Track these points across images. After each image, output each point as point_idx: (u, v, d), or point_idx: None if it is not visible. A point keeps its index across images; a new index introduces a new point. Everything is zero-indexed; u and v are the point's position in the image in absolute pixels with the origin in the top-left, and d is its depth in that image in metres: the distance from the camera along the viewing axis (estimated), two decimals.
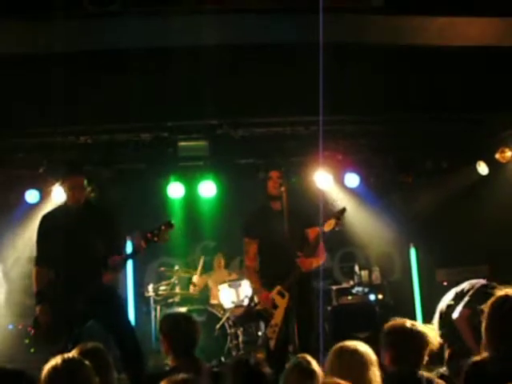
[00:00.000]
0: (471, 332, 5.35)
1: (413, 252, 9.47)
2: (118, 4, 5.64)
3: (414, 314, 8.84)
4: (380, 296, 8.94)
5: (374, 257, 9.83)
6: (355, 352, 3.16)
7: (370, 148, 8.44)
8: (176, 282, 8.66)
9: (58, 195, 7.77)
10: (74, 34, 5.99)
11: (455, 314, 5.69)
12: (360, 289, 8.98)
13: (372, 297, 8.84)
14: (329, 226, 5.39)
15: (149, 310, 8.70)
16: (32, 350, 7.44)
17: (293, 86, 6.72)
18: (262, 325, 7.77)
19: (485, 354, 3.28)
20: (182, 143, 7.88)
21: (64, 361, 2.99)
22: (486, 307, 3.36)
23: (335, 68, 6.39)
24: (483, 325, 3.33)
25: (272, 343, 5.35)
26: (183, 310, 7.71)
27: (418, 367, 3.40)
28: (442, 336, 5.93)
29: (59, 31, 5.89)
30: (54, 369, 2.94)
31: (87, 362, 3.04)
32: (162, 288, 8.67)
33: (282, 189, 5.42)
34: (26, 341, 7.60)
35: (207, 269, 9.17)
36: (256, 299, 5.87)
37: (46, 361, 3.08)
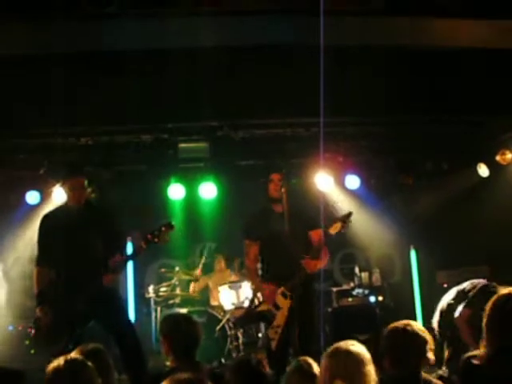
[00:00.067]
0: (471, 332, 5.36)
1: (413, 254, 9.47)
2: (117, 5, 5.66)
3: (414, 316, 8.84)
4: (380, 298, 8.94)
5: (374, 258, 9.84)
6: (350, 351, 3.17)
7: (371, 150, 8.45)
8: (176, 283, 8.67)
9: (58, 196, 7.78)
10: (73, 35, 6.01)
11: (456, 314, 5.70)
12: (360, 290, 8.98)
13: (372, 299, 8.84)
14: (335, 229, 5.42)
15: (149, 311, 8.71)
16: (32, 351, 7.46)
17: (293, 88, 6.72)
18: (263, 326, 7.80)
19: (482, 351, 3.28)
20: (183, 145, 7.89)
21: (67, 362, 3.00)
22: (487, 306, 3.37)
23: (335, 69, 6.40)
24: (484, 323, 3.34)
25: (274, 344, 5.35)
26: (184, 311, 7.72)
27: (419, 369, 3.41)
28: (441, 336, 5.95)
29: (58, 32, 5.91)
30: (57, 370, 2.95)
31: (90, 363, 3.04)
32: (163, 289, 8.67)
33: (283, 190, 5.42)
34: (27, 342, 7.61)
35: (207, 270, 9.18)
36: (256, 301, 5.88)
37: (47, 362, 3.09)
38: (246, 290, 8.07)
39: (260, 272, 5.90)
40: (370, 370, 3.17)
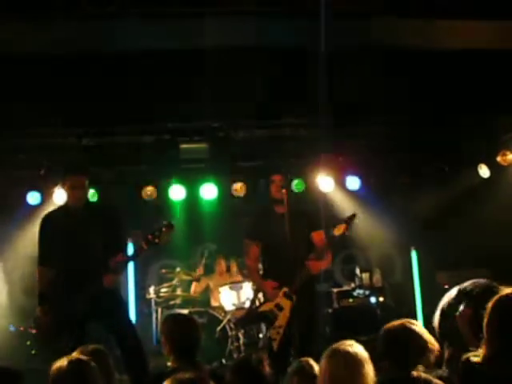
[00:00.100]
0: (472, 332, 5.35)
1: (414, 254, 9.47)
2: (117, 5, 5.66)
3: (415, 317, 8.83)
4: (381, 298, 8.92)
5: (374, 259, 9.83)
6: (349, 352, 3.17)
7: (371, 150, 8.45)
8: (177, 284, 8.66)
9: (59, 197, 7.78)
10: (73, 34, 6.01)
11: (457, 313, 5.69)
12: (361, 291, 8.97)
13: (373, 299, 8.82)
14: (338, 231, 5.44)
15: (150, 311, 8.70)
16: (33, 352, 7.47)
17: (293, 88, 6.73)
18: (263, 327, 7.79)
19: (482, 353, 3.28)
20: (184, 145, 7.90)
21: (72, 362, 2.99)
22: (488, 306, 3.37)
23: (335, 70, 6.41)
24: (484, 323, 3.34)
25: (275, 345, 5.35)
26: (184, 311, 7.70)
27: (414, 369, 3.40)
28: (442, 335, 5.95)
29: (58, 32, 5.91)
30: (62, 370, 2.94)
31: (94, 364, 3.04)
32: (164, 290, 8.67)
33: (283, 191, 5.42)
34: (28, 342, 7.62)
35: (208, 271, 9.18)
36: (257, 302, 5.87)
37: (48, 362, 3.09)
38: (247, 291, 8.07)
39: (261, 272, 5.91)
40: (369, 370, 3.17)
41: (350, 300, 8.81)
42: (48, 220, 5.66)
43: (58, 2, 5.58)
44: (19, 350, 7.60)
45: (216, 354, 7.66)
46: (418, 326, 3.52)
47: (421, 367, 3.42)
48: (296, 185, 8.48)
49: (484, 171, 8.59)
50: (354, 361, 3.14)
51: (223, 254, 9.25)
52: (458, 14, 6.11)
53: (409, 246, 9.50)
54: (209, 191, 8.78)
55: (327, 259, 5.57)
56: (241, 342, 7.91)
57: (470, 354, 3.34)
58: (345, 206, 9.05)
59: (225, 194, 8.89)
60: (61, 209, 5.89)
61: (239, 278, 8.78)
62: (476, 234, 8.62)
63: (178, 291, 8.65)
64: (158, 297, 8.60)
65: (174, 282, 8.66)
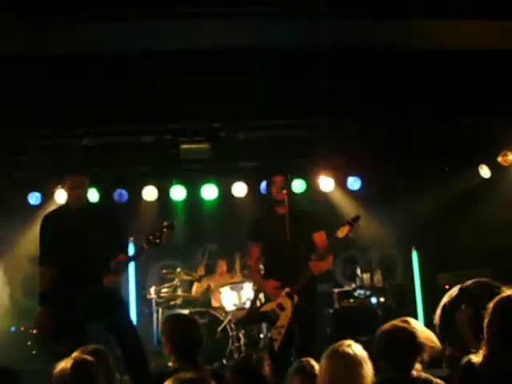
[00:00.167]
0: (472, 332, 5.35)
1: (415, 255, 9.46)
2: (117, 6, 5.67)
3: (415, 317, 8.80)
4: (382, 299, 8.92)
5: (375, 260, 9.84)
6: (348, 353, 3.16)
7: (372, 151, 8.45)
8: (178, 284, 8.67)
9: (60, 197, 7.78)
10: (74, 35, 6.01)
11: (458, 312, 5.69)
12: (362, 292, 8.97)
13: (374, 300, 8.82)
14: (342, 233, 5.43)
15: (151, 312, 8.71)
16: (34, 352, 7.48)
17: (294, 89, 6.74)
18: (264, 327, 7.80)
19: (482, 353, 3.28)
20: (184, 146, 7.90)
21: (77, 362, 2.98)
22: (489, 307, 3.37)
23: (336, 71, 6.41)
24: (485, 324, 3.34)
25: (276, 345, 5.35)
26: (185, 312, 7.71)
27: (412, 369, 3.39)
28: (442, 332, 5.95)
29: (58, 32, 5.91)
30: (66, 370, 2.93)
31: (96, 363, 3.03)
32: (164, 290, 8.67)
33: (284, 192, 5.42)
34: (28, 343, 7.63)
35: (209, 272, 9.18)
36: (258, 302, 5.86)
37: (48, 362, 3.08)
38: (248, 291, 8.07)
39: (262, 272, 5.91)
40: (368, 370, 3.17)
41: (351, 300, 8.80)
42: (48, 220, 5.66)
43: (57, 2, 5.58)
44: (20, 351, 7.61)
45: (217, 354, 7.66)
46: (415, 324, 3.51)
47: (418, 366, 3.42)
48: (297, 185, 8.48)
49: (485, 171, 8.59)
50: (353, 361, 3.14)
51: (224, 255, 9.25)
52: (458, 14, 6.10)
53: (409, 246, 9.49)
54: (209, 191, 8.78)
55: (329, 260, 5.58)
56: (241, 342, 7.91)
57: (471, 355, 3.33)
58: (345, 206, 9.06)
59: (225, 194, 8.89)
60: (61, 209, 5.90)
61: (240, 278, 8.79)
62: (477, 235, 8.62)
63: (179, 291, 8.65)
64: (159, 297, 8.61)
65: (175, 282, 8.66)
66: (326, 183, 8.72)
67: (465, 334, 5.56)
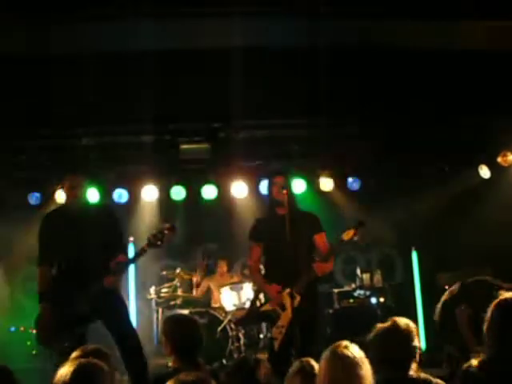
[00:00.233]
0: (472, 332, 5.37)
1: (414, 255, 9.46)
2: (117, 6, 5.67)
3: (415, 318, 8.83)
4: (381, 299, 8.92)
5: (375, 260, 9.84)
6: (347, 354, 3.16)
7: (372, 151, 8.45)
8: (178, 284, 8.67)
9: (60, 197, 7.78)
10: (73, 35, 6.01)
11: (457, 310, 5.71)
12: (361, 292, 8.97)
13: (373, 300, 8.82)
14: (347, 236, 5.46)
15: (150, 312, 8.72)
16: (34, 352, 7.48)
17: (294, 89, 6.73)
18: (264, 327, 7.80)
19: (483, 356, 3.28)
20: (184, 146, 7.90)
21: (81, 365, 2.95)
22: (489, 309, 3.37)
23: (336, 71, 6.42)
24: (485, 326, 3.34)
25: (277, 344, 5.35)
26: (185, 312, 7.71)
27: (409, 369, 3.39)
28: (441, 329, 5.96)
29: (58, 32, 5.91)
30: (70, 372, 2.90)
31: (106, 367, 3.00)
32: (164, 290, 8.67)
33: (284, 191, 5.42)
34: (28, 342, 7.63)
35: (209, 272, 9.18)
36: (258, 303, 5.86)
37: (48, 362, 3.07)
38: (248, 292, 8.08)
39: (262, 272, 5.90)
40: (367, 371, 3.17)
41: (351, 300, 8.81)
42: (48, 220, 5.67)
43: (57, 2, 5.58)
44: (20, 350, 7.61)
45: (217, 354, 7.66)
46: (408, 325, 3.50)
47: (414, 366, 3.42)
48: (297, 185, 8.48)
49: (485, 172, 8.59)
50: (351, 363, 3.14)
51: (224, 255, 9.26)
52: (459, 14, 6.10)
53: (409, 246, 9.49)
54: (209, 191, 8.78)
55: (331, 261, 5.60)
56: (241, 342, 7.92)
57: (472, 360, 3.33)
58: (345, 206, 9.06)
59: (225, 194, 8.89)
60: (60, 209, 5.92)
61: (240, 278, 8.79)
62: (476, 235, 8.61)
63: (179, 291, 8.66)
64: (159, 297, 8.61)
65: (175, 282, 8.66)
66: (325, 183, 8.72)
67: (464, 333, 5.58)
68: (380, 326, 3.51)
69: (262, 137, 7.97)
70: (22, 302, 8.41)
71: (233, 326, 7.94)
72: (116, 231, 5.62)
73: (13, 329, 8.16)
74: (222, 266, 9.12)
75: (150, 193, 8.67)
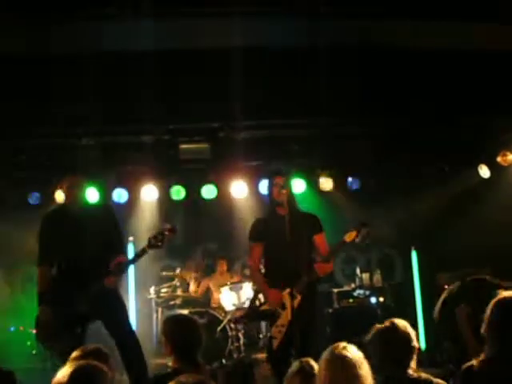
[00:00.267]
0: (471, 330, 5.37)
1: (414, 255, 9.46)
2: (116, 6, 5.67)
3: (415, 317, 8.84)
4: (381, 299, 8.92)
5: (375, 259, 9.84)
6: (345, 354, 3.17)
7: (372, 151, 8.45)
8: (177, 284, 8.68)
9: (59, 197, 7.77)
10: (73, 35, 6.01)
11: (457, 310, 5.71)
12: (361, 291, 8.96)
13: (373, 300, 8.82)
14: (350, 237, 5.49)
15: (150, 312, 8.71)
16: (34, 352, 7.48)
17: (294, 89, 6.73)
18: (264, 327, 7.80)
19: (483, 356, 3.29)
20: (184, 146, 7.90)
21: (80, 367, 2.95)
22: (488, 308, 3.37)
23: (336, 71, 6.42)
24: (484, 325, 3.34)
25: (275, 343, 5.35)
26: (185, 312, 7.71)
27: (408, 368, 3.40)
28: (441, 329, 5.96)
29: (58, 32, 5.91)
30: (69, 374, 2.89)
31: (105, 369, 2.99)
32: (164, 290, 8.68)
33: (283, 191, 5.43)
34: (28, 342, 7.63)
35: (209, 271, 9.18)
36: (258, 302, 5.86)
37: (48, 362, 3.07)
38: (247, 292, 8.08)
39: (262, 271, 5.90)
40: (366, 371, 3.17)
41: (350, 300, 8.81)
42: (48, 220, 5.67)
43: (57, 2, 5.58)
44: (19, 350, 7.60)
45: (216, 354, 7.67)
46: (406, 325, 3.51)
47: (414, 364, 3.43)
48: (297, 185, 8.48)
49: (484, 171, 8.59)
50: (350, 363, 3.14)
51: (224, 255, 9.26)
52: (459, 14, 6.11)
53: (409, 246, 9.49)
54: (209, 191, 8.78)
55: (332, 262, 5.62)
56: (241, 342, 7.92)
57: (471, 362, 3.34)
58: (345, 206, 9.06)
59: (225, 194, 8.89)
60: (60, 209, 5.91)
61: (240, 278, 8.79)
62: (476, 235, 8.61)
63: (179, 291, 8.66)
64: (159, 297, 8.62)
65: (174, 282, 8.67)
66: (325, 183, 8.72)
67: (464, 332, 5.58)
68: (379, 326, 3.52)
69: (262, 137, 7.97)
70: (22, 301, 8.41)
71: (232, 325, 7.94)
72: (116, 231, 5.62)
73: (12, 329, 8.16)
74: (222, 266, 9.12)
75: (149, 193, 8.66)
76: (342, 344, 3.24)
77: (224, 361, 7.68)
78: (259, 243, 5.70)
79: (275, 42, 6.30)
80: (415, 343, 3.45)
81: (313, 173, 8.67)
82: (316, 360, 3.44)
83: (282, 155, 8.19)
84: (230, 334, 7.87)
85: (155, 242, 5.32)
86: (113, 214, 5.82)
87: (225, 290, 8.26)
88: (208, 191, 8.77)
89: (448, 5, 6.06)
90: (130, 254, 5.76)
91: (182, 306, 8.44)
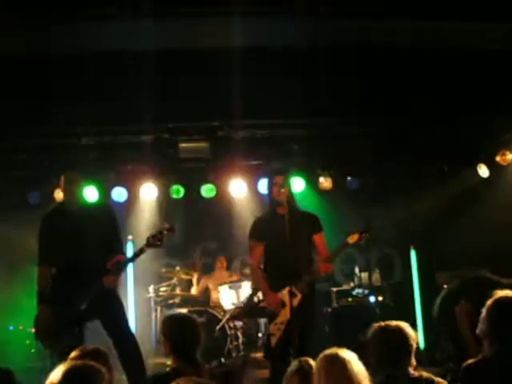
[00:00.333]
0: (470, 328, 5.37)
1: (413, 254, 9.46)
2: (116, 6, 5.67)
3: (414, 316, 8.85)
4: (380, 298, 8.93)
5: (374, 259, 9.84)
6: (341, 354, 3.18)
7: (372, 151, 8.45)
8: (176, 283, 8.68)
9: (59, 196, 7.78)
10: (73, 35, 6.02)
11: (457, 308, 5.72)
12: (360, 291, 8.98)
13: (372, 299, 8.83)
14: (352, 239, 5.51)
15: (149, 311, 8.71)
16: (33, 351, 7.49)
17: (294, 89, 6.74)
18: (262, 326, 7.81)
19: (481, 356, 3.30)
20: (183, 145, 7.90)
21: (76, 367, 2.95)
22: (486, 307, 3.38)
23: (336, 71, 6.42)
24: (481, 326, 3.35)
25: (274, 340, 5.36)
26: (184, 311, 7.72)
27: (408, 366, 3.41)
28: (440, 327, 5.96)
29: (58, 32, 5.92)
30: (63, 374, 2.90)
31: (103, 370, 2.99)
32: (163, 289, 8.68)
33: (283, 191, 5.43)
34: (27, 341, 7.63)
35: (208, 270, 9.19)
36: (256, 299, 5.86)
37: (47, 361, 3.08)
38: (246, 290, 8.09)
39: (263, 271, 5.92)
40: (362, 372, 3.18)
41: (349, 299, 8.82)
42: (47, 220, 5.67)
43: (57, 2, 5.59)
44: (18, 349, 7.61)
45: (215, 352, 7.67)
46: (405, 325, 3.53)
47: (414, 362, 3.44)
48: (296, 185, 8.48)
49: (483, 171, 8.60)
50: (345, 364, 3.15)
51: (223, 254, 9.26)
52: (459, 14, 6.11)
53: (408, 245, 9.50)
54: (208, 190, 8.78)
55: (332, 262, 5.65)
56: (240, 340, 7.93)
57: (471, 361, 3.35)
58: (345, 206, 9.06)
59: (224, 193, 8.90)
60: (59, 208, 5.89)
61: (239, 277, 8.80)
62: (476, 234, 8.61)
63: (177, 290, 8.67)
64: (158, 296, 8.62)
65: (173, 280, 8.67)
66: (325, 183, 8.73)
67: (463, 329, 5.58)
68: (377, 325, 3.53)
69: (261, 136, 7.97)
70: (21, 301, 8.41)
71: (231, 324, 7.95)
72: (115, 230, 5.62)
73: (11, 327, 8.16)
74: (222, 263, 9.13)
75: (149, 191, 8.67)
76: (335, 349, 3.26)
77: (223, 360, 7.68)
78: (260, 242, 5.71)
79: (275, 42, 6.30)
80: (413, 343, 3.46)
81: (313, 172, 8.68)
82: (315, 359, 3.46)
83: (281, 155, 8.19)
84: (228, 332, 7.88)
85: (154, 241, 5.33)
86: (112, 213, 5.82)
87: (224, 288, 8.27)
88: (207, 190, 8.77)
89: (448, 5, 6.05)
90: (129, 254, 5.76)
91: (180, 305, 8.44)
